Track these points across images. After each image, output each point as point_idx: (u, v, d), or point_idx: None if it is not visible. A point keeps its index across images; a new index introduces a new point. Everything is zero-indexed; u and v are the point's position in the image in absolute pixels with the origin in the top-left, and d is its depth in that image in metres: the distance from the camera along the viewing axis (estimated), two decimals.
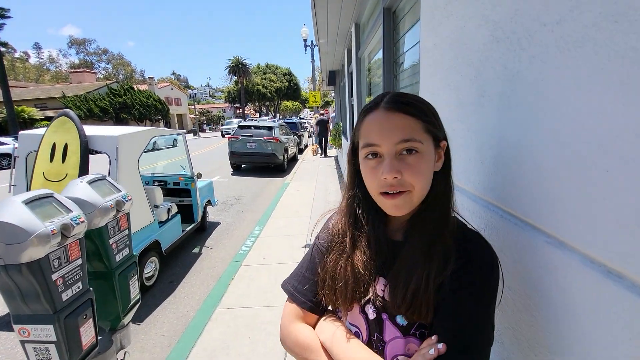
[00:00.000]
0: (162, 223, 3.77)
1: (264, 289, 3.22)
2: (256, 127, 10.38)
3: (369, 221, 0.67)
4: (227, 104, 64.39)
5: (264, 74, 57.46)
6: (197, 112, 44.94)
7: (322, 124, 13.06)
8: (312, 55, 18.94)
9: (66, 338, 1.14)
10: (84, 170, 2.98)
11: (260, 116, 57.07)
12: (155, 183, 4.68)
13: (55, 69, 72.88)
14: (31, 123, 24.88)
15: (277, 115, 63.39)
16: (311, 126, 24.43)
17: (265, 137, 9.82)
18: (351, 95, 5.57)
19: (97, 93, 29.12)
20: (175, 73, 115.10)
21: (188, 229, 4.47)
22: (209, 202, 5.27)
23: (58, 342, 1.11)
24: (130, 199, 1.61)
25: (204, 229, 5.11)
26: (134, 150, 3.32)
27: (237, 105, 57.25)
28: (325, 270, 0.69)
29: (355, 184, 0.69)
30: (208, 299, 3.10)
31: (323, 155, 13.06)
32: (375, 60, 3.32)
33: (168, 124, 38.18)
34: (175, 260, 4.19)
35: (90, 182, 1.45)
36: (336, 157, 12.53)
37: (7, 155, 16.03)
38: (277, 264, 3.74)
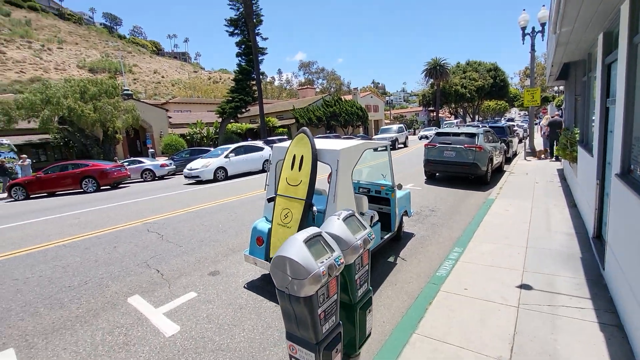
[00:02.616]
0: None
1: (468, 327, 2.83)
2: (455, 134, 9.62)
3: None
4: (420, 108, 63.92)
5: (464, 72, 53.00)
6: (391, 117, 47.04)
7: (556, 126, 12.04)
8: (532, 45, 15.70)
9: None
10: (313, 178, 3.57)
11: (456, 118, 53.30)
12: (361, 190, 5.09)
13: (289, 88, 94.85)
14: (273, 130, 33.29)
15: (477, 117, 57.18)
16: (534, 127, 20.65)
17: (466, 145, 8.93)
18: (606, 95, 4.12)
19: (315, 105, 35.57)
20: (375, 82, 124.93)
21: (385, 237, 4.60)
22: (405, 213, 5.27)
23: None
24: (373, 237, 1.74)
25: (398, 239, 5.15)
26: (351, 161, 3.69)
27: (431, 108, 55.69)
28: None
29: None
30: (405, 319, 3.04)
31: (552, 159, 12.28)
32: None
33: (366, 130, 41.89)
34: (372, 266, 4.40)
35: (344, 219, 1.65)
36: (561, 171, 9.88)
37: None
38: (482, 301, 3.23)
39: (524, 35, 15.09)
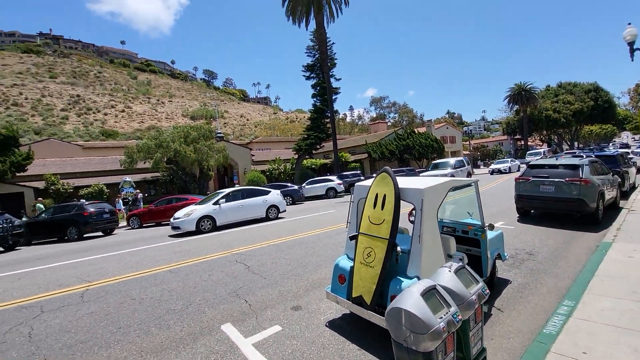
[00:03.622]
0: None
1: None
2: (553, 166, 8.57)
3: None
4: (504, 137, 58.80)
5: (556, 95, 47.75)
6: (471, 148, 44.12)
7: None
8: None
9: None
10: (396, 217, 3.54)
11: (549, 146, 47.54)
12: (445, 229, 4.82)
13: (361, 123, 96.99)
14: (346, 165, 33.97)
15: (576, 144, 50.07)
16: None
17: (568, 179, 7.86)
18: None
19: (387, 139, 35.55)
20: (450, 112, 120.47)
21: None
22: (498, 256, 4.78)
23: None
24: (488, 293, 1.66)
25: (492, 286, 4.63)
26: (436, 200, 3.57)
27: (518, 136, 50.78)
28: None
29: None
30: None
31: None
32: None
33: None
34: None
35: (456, 271, 1.64)
36: None
37: (333, 189, 22.55)
38: None
39: (632, 50, 13.16)
